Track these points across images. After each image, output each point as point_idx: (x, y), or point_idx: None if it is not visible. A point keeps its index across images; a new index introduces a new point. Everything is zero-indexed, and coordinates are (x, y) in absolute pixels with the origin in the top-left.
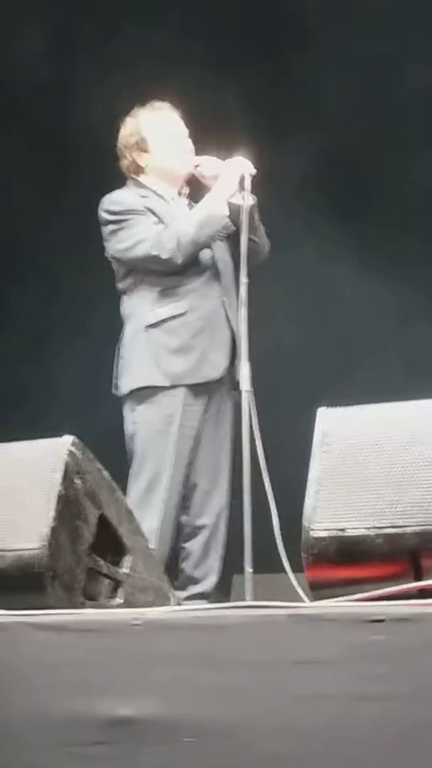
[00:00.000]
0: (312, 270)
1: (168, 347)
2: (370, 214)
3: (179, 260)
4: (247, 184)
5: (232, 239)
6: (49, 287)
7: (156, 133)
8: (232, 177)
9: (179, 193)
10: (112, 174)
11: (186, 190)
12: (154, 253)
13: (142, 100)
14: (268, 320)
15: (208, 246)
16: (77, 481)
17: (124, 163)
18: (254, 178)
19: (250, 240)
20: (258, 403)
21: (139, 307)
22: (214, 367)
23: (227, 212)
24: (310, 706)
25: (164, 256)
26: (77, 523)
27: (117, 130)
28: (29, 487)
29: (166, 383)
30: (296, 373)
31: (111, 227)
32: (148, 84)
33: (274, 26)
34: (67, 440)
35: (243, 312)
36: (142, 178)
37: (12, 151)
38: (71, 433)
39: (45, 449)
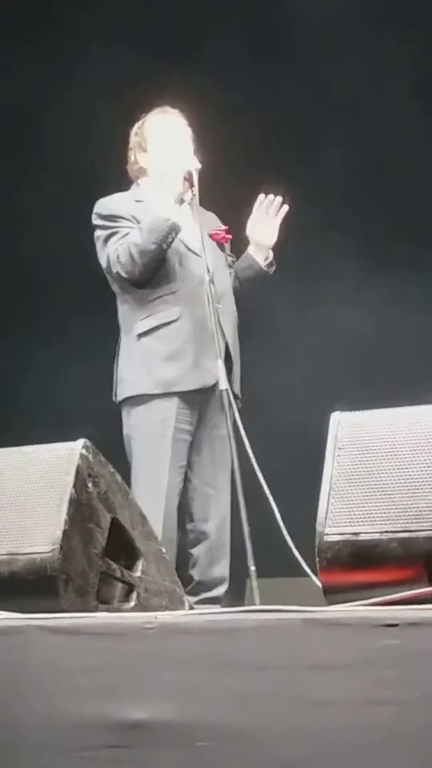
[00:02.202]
0: (326, 275)
1: (160, 355)
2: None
3: (136, 273)
4: (195, 179)
5: (227, 259)
6: (56, 293)
7: (156, 132)
8: (176, 176)
9: (182, 200)
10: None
11: (189, 196)
12: (115, 270)
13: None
14: (280, 327)
15: (163, 251)
16: (90, 484)
17: (128, 165)
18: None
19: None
20: (271, 408)
21: (131, 315)
22: (208, 374)
23: (169, 216)
24: (323, 711)
25: (123, 274)
26: (90, 526)
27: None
28: (42, 491)
29: (158, 391)
30: (309, 377)
31: (96, 233)
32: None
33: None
34: (80, 443)
35: (211, 309)
36: (142, 182)
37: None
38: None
39: (57, 452)
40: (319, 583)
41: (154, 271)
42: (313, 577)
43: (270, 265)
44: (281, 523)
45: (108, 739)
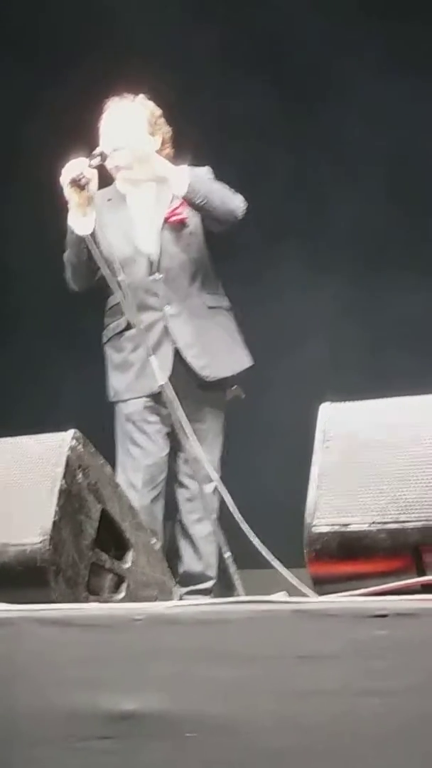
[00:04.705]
0: (318, 264)
1: (113, 363)
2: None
3: (76, 287)
4: (85, 181)
5: (191, 242)
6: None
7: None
8: (65, 187)
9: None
10: None
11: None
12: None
13: None
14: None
15: (83, 264)
16: (79, 475)
17: None
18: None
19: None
20: (261, 397)
21: (105, 322)
22: (154, 380)
23: (72, 227)
24: (313, 701)
25: (71, 287)
26: (80, 517)
27: None
28: (32, 482)
29: (115, 399)
30: (299, 367)
31: None
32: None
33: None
34: (69, 434)
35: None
36: (118, 176)
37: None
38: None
39: (47, 444)
40: (288, 575)
41: (86, 284)
42: (282, 569)
43: (190, 196)
44: (239, 517)
45: (98, 729)
